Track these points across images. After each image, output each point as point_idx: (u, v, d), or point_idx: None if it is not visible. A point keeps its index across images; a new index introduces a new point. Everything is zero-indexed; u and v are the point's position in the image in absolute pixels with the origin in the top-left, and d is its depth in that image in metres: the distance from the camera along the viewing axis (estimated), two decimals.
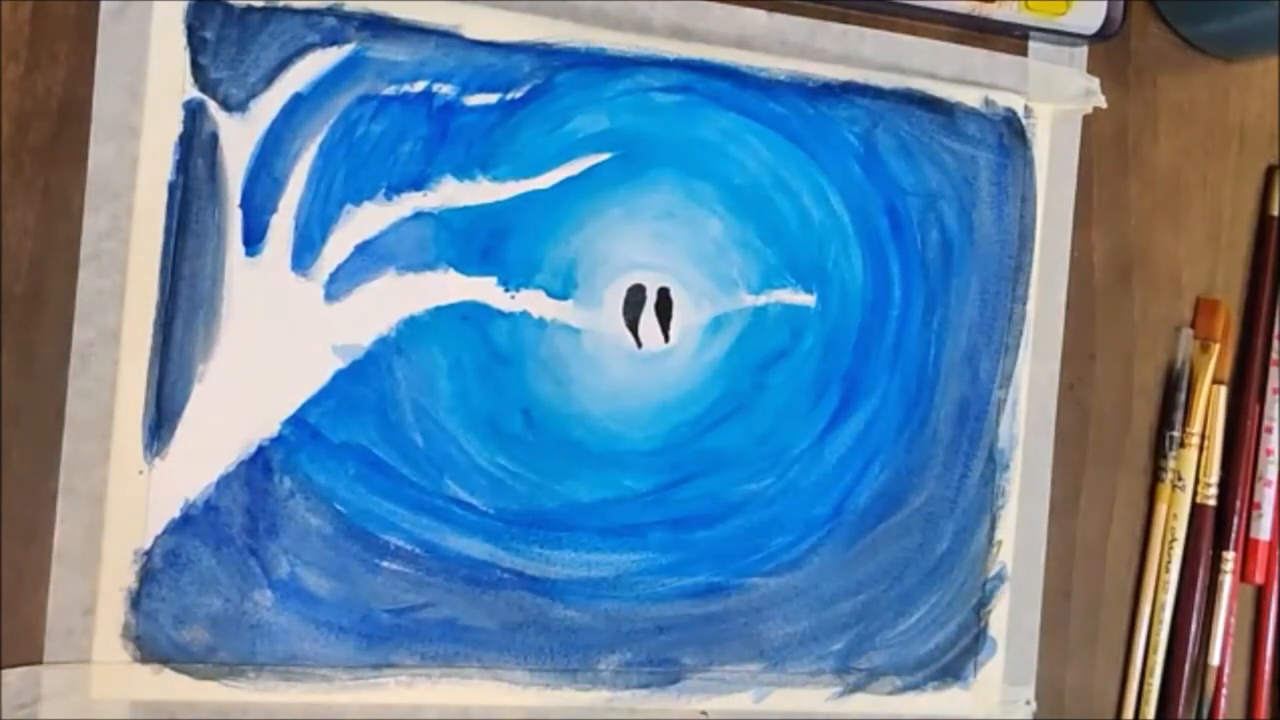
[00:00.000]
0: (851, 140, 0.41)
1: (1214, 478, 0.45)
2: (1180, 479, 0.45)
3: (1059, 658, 0.44)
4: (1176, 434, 0.45)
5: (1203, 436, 0.45)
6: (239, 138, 0.36)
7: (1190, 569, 0.45)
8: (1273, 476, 0.46)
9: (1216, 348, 0.45)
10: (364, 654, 0.37)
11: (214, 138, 0.36)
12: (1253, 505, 0.46)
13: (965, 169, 0.43)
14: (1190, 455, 0.45)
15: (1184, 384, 0.45)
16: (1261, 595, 0.47)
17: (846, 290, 0.41)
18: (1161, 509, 0.45)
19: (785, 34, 0.41)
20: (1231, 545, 0.46)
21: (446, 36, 0.38)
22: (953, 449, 0.43)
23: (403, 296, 0.37)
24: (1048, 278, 0.43)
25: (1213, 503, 0.45)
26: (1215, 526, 0.46)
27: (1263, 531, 0.46)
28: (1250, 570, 0.46)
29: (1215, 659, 0.46)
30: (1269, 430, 0.46)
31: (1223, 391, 0.46)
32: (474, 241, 0.38)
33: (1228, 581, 0.46)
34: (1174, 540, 0.45)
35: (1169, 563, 0.45)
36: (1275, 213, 0.46)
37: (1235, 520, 0.46)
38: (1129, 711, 0.45)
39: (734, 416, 0.40)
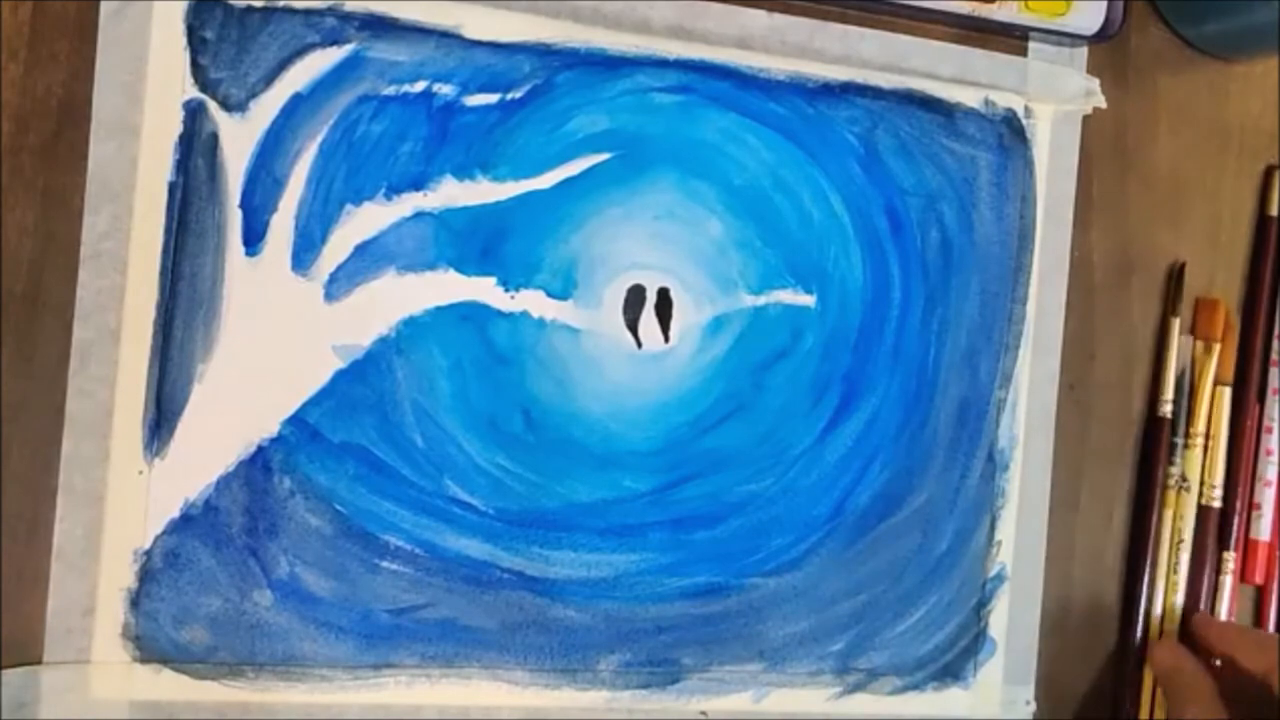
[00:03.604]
0: (851, 140, 0.41)
1: (1219, 479, 0.45)
2: (1185, 480, 0.45)
3: (1059, 658, 0.44)
4: (1179, 439, 0.45)
5: (1206, 437, 0.45)
6: (239, 138, 0.36)
7: (1197, 571, 0.45)
8: (1272, 477, 0.46)
9: (1218, 348, 0.45)
10: (364, 654, 0.37)
11: (214, 138, 0.36)
12: (1252, 506, 0.46)
13: (965, 169, 0.43)
14: (1195, 456, 0.45)
15: (1186, 385, 0.45)
16: (1261, 595, 0.47)
17: (846, 290, 0.41)
18: (1168, 513, 0.45)
19: (785, 34, 0.41)
20: (1232, 546, 0.46)
21: (446, 36, 0.38)
22: (953, 449, 0.43)
23: (403, 296, 0.37)
24: (1047, 277, 0.43)
25: (1218, 504, 0.45)
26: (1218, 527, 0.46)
27: (1262, 532, 0.46)
28: (1250, 571, 0.46)
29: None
30: (1269, 431, 0.46)
31: (1227, 393, 0.45)
32: (474, 241, 0.38)
33: (1229, 582, 0.45)
34: (1180, 542, 0.45)
35: (1176, 564, 0.45)
36: (1274, 213, 0.46)
37: (1236, 521, 0.46)
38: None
39: (734, 417, 0.40)
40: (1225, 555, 0.46)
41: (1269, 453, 0.46)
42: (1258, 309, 0.46)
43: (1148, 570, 0.45)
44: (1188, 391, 0.45)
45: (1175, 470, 0.45)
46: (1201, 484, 0.45)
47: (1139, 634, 0.45)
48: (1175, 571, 0.45)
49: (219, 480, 0.36)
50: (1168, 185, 0.46)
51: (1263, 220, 0.47)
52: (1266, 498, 0.46)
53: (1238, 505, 0.46)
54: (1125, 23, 0.43)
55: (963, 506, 0.43)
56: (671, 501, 0.40)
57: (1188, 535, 0.45)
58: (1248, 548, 0.46)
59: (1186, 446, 0.45)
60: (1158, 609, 0.45)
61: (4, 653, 0.34)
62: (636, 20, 0.39)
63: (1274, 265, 0.46)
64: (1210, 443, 0.45)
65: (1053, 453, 0.44)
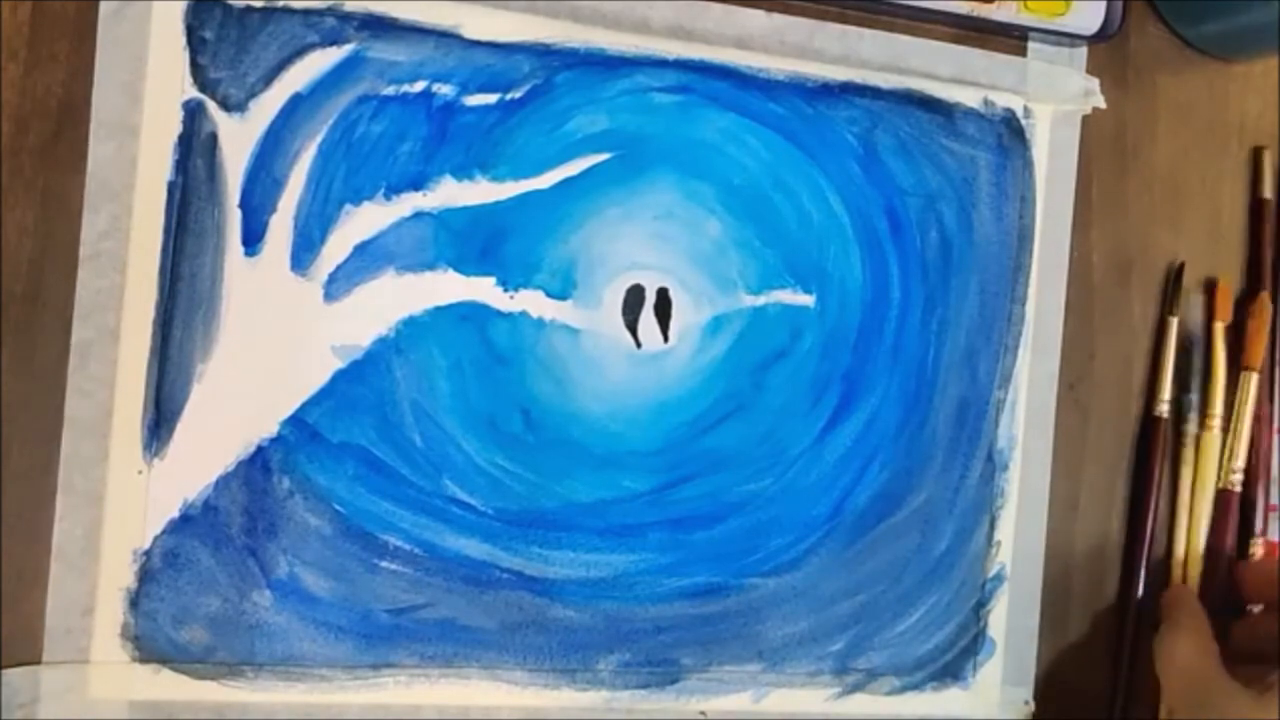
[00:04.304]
0: (850, 140, 0.41)
1: (1240, 463, 0.45)
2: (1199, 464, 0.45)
3: (1059, 658, 0.44)
4: (1193, 412, 0.45)
5: (1227, 419, 0.45)
6: (238, 138, 0.36)
7: (1216, 554, 0.45)
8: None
9: (1221, 327, 0.45)
10: (363, 654, 0.37)
11: (213, 138, 0.36)
12: (1269, 506, 0.46)
13: (964, 169, 0.43)
14: (1211, 439, 0.45)
15: (1200, 368, 0.45)
16: None
17: (846, 290, 0.41)
18: (1183, 491, 0.45)
19: (784, 34, 0.41)
20: (1256, 533, 0.45)
21: (446, 36, 0.38)
22: (952, 449, 0.43)
23: (402, 296, 0.37)
24: (1047, 278, 0.43)
25: (1238, 489, 0.45)
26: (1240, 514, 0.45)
27: (1278, 533, 0.46)
28: None
29: None
30: (1277, 432, 0.46)
31: (1254, 378, 0.45)
32: (473, 241, 0.38)
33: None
34: (1194, 517, 0.45)
35: (1196, 528, 0.45)
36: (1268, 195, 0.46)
37: (1259, 514, 0.45)
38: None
39: (733, 417, 0.40)
40: (1252, 541, 0.45)
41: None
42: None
43: (1143, 570, 0.45)
44: (1202, 374, 0.45)
45: (1189, 451, 0.45)
46: (1222, 467, 0.45)
47: (1135, 601, 0.44)
48: (1194, 537, 0.44)
49: (218, 480, 0.36)
50: (1167, 185, 0.46)
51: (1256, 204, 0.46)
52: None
53: (1258, 497, 0.45)
54: (1125, 23, 0.43)
55: (962, 506, 0.43)
56: (670, 501, 0.40)
57: (1203, 512, 0.45)
58: (1265, 548, 0.46)
59: (1204, 428, 0.45)
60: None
61: (4, 652, 0.34)
62: (636, 20, 0.39)
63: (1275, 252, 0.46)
64: (1235, 425, 0.45)
65: (1052, 452, 0.44)
